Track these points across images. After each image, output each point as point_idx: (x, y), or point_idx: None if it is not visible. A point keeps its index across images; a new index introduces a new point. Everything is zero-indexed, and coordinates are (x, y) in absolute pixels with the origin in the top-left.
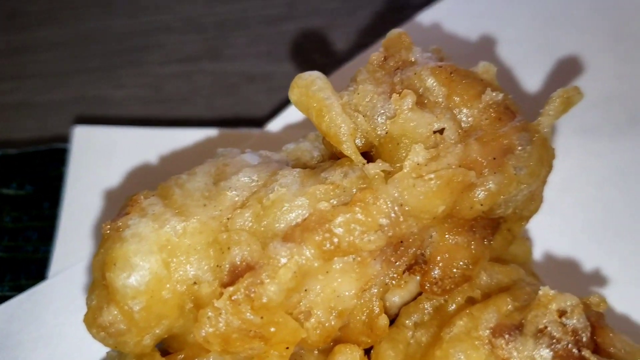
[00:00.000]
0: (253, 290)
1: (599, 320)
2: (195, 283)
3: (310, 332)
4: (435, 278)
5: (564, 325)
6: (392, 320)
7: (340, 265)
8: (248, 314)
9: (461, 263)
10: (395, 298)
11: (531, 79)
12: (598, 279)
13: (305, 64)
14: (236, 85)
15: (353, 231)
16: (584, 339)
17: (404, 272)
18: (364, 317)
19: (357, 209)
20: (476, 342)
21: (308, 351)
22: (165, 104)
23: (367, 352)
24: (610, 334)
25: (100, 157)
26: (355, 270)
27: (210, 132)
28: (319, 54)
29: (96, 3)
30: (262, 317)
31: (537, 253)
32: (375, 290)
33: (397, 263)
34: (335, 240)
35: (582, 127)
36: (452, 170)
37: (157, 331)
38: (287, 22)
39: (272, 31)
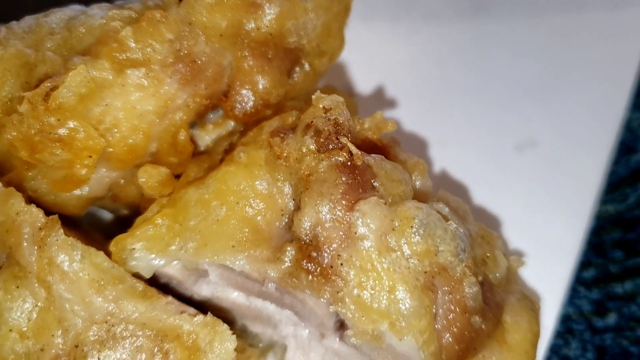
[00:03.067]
0: (49, 94)
1: (391, 141)
2: (9, 101)
3: (115, 147)
4: (235, 102)
5: (328, 119)
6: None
7: (135, 79)
8: (44, 115)
9: (259, 87)
10: (215, 135)
11: None
12: (434, 139)
13: None
14: None
15: (140, 41)
16: (345, 129)
17: (207, 99)
18: (169, 138)
19: (144, 23)
20: (258, 145)
21: (128, 181)
22: None
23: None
24: (397, 150)
25: None
26: (150, 86)
27: None
28: None
29: None
30: (58, 120)
31: None
32: (181, 114)
33: (197, 85)
34: (124, 49)
35: (428, 11)
36: None
37: None
38: None
39: None
